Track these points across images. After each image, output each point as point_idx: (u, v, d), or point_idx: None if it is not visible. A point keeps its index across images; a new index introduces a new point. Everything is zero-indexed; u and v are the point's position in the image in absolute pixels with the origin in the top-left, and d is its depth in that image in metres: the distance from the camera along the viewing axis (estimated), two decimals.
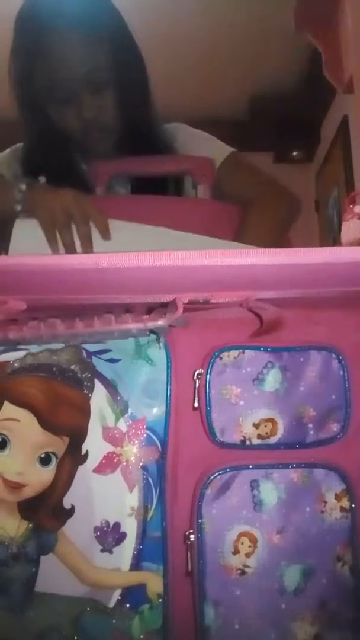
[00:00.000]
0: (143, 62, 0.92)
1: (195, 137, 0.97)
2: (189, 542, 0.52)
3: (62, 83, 0.85)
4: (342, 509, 0.53)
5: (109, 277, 0.39)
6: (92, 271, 0.37)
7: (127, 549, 0.50)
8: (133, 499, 0.50)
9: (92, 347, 0.52)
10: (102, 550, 0.50)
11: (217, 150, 0.93)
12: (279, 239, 0.84)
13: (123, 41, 0.89)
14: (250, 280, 0.42)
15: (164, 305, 0.48)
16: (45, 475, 0.50)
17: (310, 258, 0.36)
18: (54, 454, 0.50)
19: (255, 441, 0.53)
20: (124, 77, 0.89)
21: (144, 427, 0.51)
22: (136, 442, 0.51)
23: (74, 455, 0.50)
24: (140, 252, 0.36)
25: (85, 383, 0.52)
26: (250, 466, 0.53)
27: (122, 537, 0.50)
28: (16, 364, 0.51)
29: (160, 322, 0.47)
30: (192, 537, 0.52)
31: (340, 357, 0.54)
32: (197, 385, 0.54)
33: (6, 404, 0.50)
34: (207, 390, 0.53)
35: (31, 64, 0.86)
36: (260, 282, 0.43)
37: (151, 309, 0.49)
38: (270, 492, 0.53)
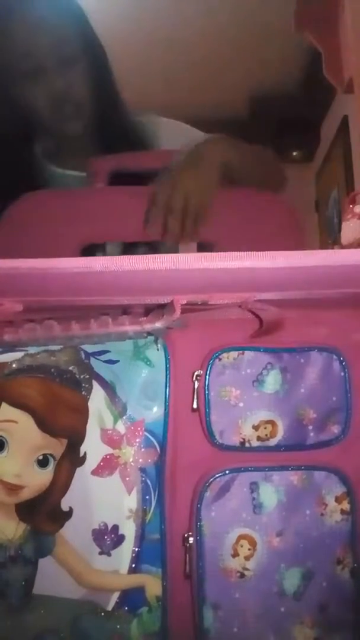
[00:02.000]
0: (103, 47, 0.90)
1: (174, 129, 0.95)
2: (188, 545, 0.52)
3: (29, 55, 0.83)
4: (343, 511, 0.53)
5: (105, 279, 0.39)
6: (88, 274, 0.36)
7: (125, 552, 0.50)
8: (131, 502, 0.50)
9: (90, 348, 0.52)
10: (100, 553, 0.50)
11: (197, 138, 0.90)
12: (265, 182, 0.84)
13: (84, 19, 0.88)
14: (248, 282, 0.42)
15: (162, 306, 0.47)
16: (43, 477, 0.50)
17: (309, 261, 0.35)
18: (51, 456, 0.50)
19: (255, 443, 0.53)
20: (91, 54, 0.87)
21: (143, 428, 0.51)
22: (135, 444, 0.51)
23: (72, 458, 0.50)
24: (135, 255, 0.36)
25: (83, 384, 0.51)
26: (250, 468, 0.53)
27: (120, 539, 0.50)
28: (14, 365, 0.51)
29: (158, 324, 0.46)
30: (191, 539, 0.52)
31: (342, 359, 0.54)
32: (196, 386, 0.53)
33: (4, 405, 0.50)
34: (206, 392, 0.53)
35: None
36: (259, 284, 0.43)
37: (149, 310, 0.49)
38: (269, 495, 0.52)
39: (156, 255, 0.36)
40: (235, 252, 0.35)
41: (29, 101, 0.86)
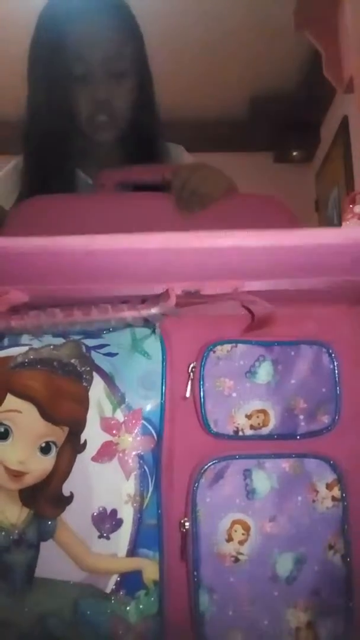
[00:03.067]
0: (150, 71, 0.96)
1: (184, 160, 1.02)
2: (184, 530, 0.54)
3: (81, 60, 0.88)
4: (334, 498, 0.55)
5: (101, 261, 0.40)
6: (87, 255, 0.38)
7: (123, 536, 0.52)
8: (129, 487, 0.52)
9: (91, 342, 0.54)
10: (99, 537, 0.51)
11: None
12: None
13: (141, 41, 0.94)
14: (238, 267, 0.44)
15: (158, 296, 0.49)
16: (45, 463, 0.52)
17: (293, 239, 0.37)
18: (54, 443, 0.52)
19: (248, 432, 0.55)
20: (140, 75, 0.93)
21: (140, 417, 0.53)
22: (132, 431, 0.52)
23: (73, 444, 0.52)
24: (130, 234, 0.38)
25: (84, 376, 0.53)
26: (243, 456, 0.55)
27: (118, 523, 0.52)
28: (19, 358, 0.53)
29: (154, 310, 0.48)
30: (187, 524, 0.53)
31: (331, 352, 0.56)
32: (191, 377, 0.55)
33: (9, 396, 0.52)
34: (201, 383, 0.55)
35: (56, 42, 0.88)
36: (249, 271, 0.44)
37: (145, 300, 0.51)
38: (262, 481, 0.54)
39: (149, 234, 0.37)
40: (225, 231, 0.36)
41: (73, 102, 0.91)
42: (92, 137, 0.94)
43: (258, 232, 0.36)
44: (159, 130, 0.98)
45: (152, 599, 0.52)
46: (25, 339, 0.54)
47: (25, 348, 0.53)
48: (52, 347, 0.53)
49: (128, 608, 0.52)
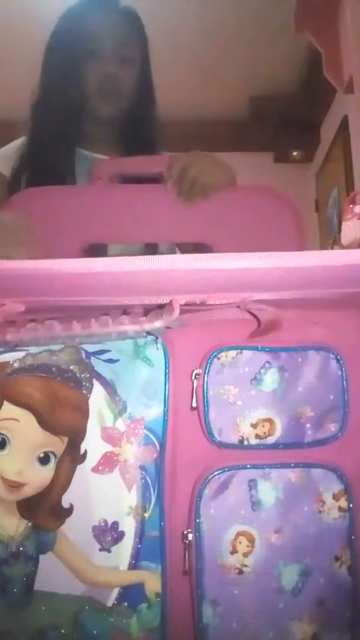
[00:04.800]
0: (150, 65, 1.08)
1: None
2: (187, 542, 0.53)
3: (94, 38, 1.01)
4: (340, 508, 0.54)
5: (105, 280, 0.39)
6: (88, 275, 0.37)
7: (125, 548, 0.51)
8: (131, 499, 0.51)
9: (91, 348, 0.52)
10: (100, 549, 0.50)
11: None
12: None
13: (145, 38, 1.06)
14: (246, 283, 0.43)
15: (161, 306, 0.48)
16: (44, 474, 0.51)
17: (303, 261, 0.36)
18: (52, 453, 0.51)
19: (253, 441, 0.54)
20: (142, 66, 1.04)
21: (142, 427, 0.51)
22: (134, 441, 0.51)
23: (73, 455, 0.51)
24: (135, 257, 0.37)
25: (84, 383, 0.52)
26: (248, 466, 0.53)
27: (120, 536, 0.51)
28: (16, 364, 0.52)
29: (157, 324, 0.47)
30: (190, 536, 0.52)
31: (339, 358, 0.55)
32: (195, 385, 0.54)
33: (6, 404, 0.51)
34: (205, 391, 0.53)
35: (75, 23, 1.02)
36: (256, 285, 0.44)
37: (148, 311, 0.49)
38: (268, 492, 0.53)
39: (155, 257, 0.36)
40: (232, 253, 0.35)
41: (84, 74, 1.01)
42: (97, 109, 1.02)
43: (266, 254, 0.36)
44: (155, 126, 1.07)
45: (155, 612, 0.51)
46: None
47: (22, 353, 0.52)
48: (50, 352, 0.52)
49: (130, 621, 0.51)
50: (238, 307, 0.48)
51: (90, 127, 1.04)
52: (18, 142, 1.05)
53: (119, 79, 1.01)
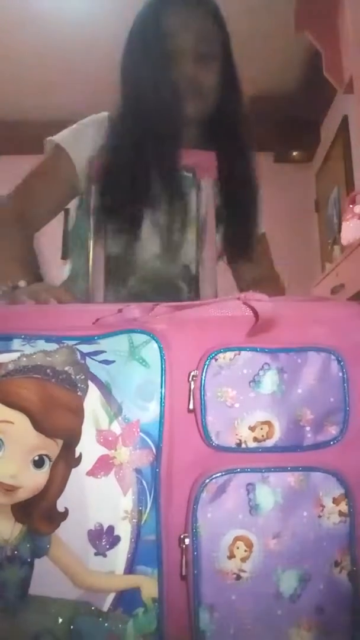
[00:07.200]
0: (233, 57, 1.05)
1: None
2: (184, 546, 0.52)
3: (173, 36, 0.97)
4: (341, 513, 0.53)
5: None
6: None
7: (121, 553, 0.50)
8: (127, 502, 0.50)
9: (86, 348, 0.52)
10: (96, 554, 0.50)
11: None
12: None
13: (226, 31, 1.04)
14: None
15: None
16: (38, 478, 0.50)
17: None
18: (47, 456, 0.50)
19: (251, 444, 0.53)
20: (224, 59, 1.01)
21: (138, 429, 0.51)
22: (130, 445, 0.50)
23: (68, 458, 0.50)
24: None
25: (79, 385, 0.51)
26: (246, 469, 0.52)
27: (115, 540, 0.50)
28: (10, 366, 0.51)
29: None
30: (187, 540, 0.51)
31: (340, 359, 0.53)
32: (192, 387, 0.53)
33: (0, 406, 0.50)
34: (202, 392, 0.52)
35: (154, 21, 0.99)
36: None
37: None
38: (266, 496, 0.52)
39: None
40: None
41: (164, 74, 0.97)
42: (182, 109, 0.98)
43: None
44: (244, 122, 1.04)
45: (151, 617, 0.50)
46: (16, 344, 0.52)
47: (17, 354, 0.51)
48: (44, 353, 0.51)
49: (125, 627, 0.50)
50: (238, 299, 0.47)
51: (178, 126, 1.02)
52: (90, 121, 1.02)
53: (199, 78, 0.99)
